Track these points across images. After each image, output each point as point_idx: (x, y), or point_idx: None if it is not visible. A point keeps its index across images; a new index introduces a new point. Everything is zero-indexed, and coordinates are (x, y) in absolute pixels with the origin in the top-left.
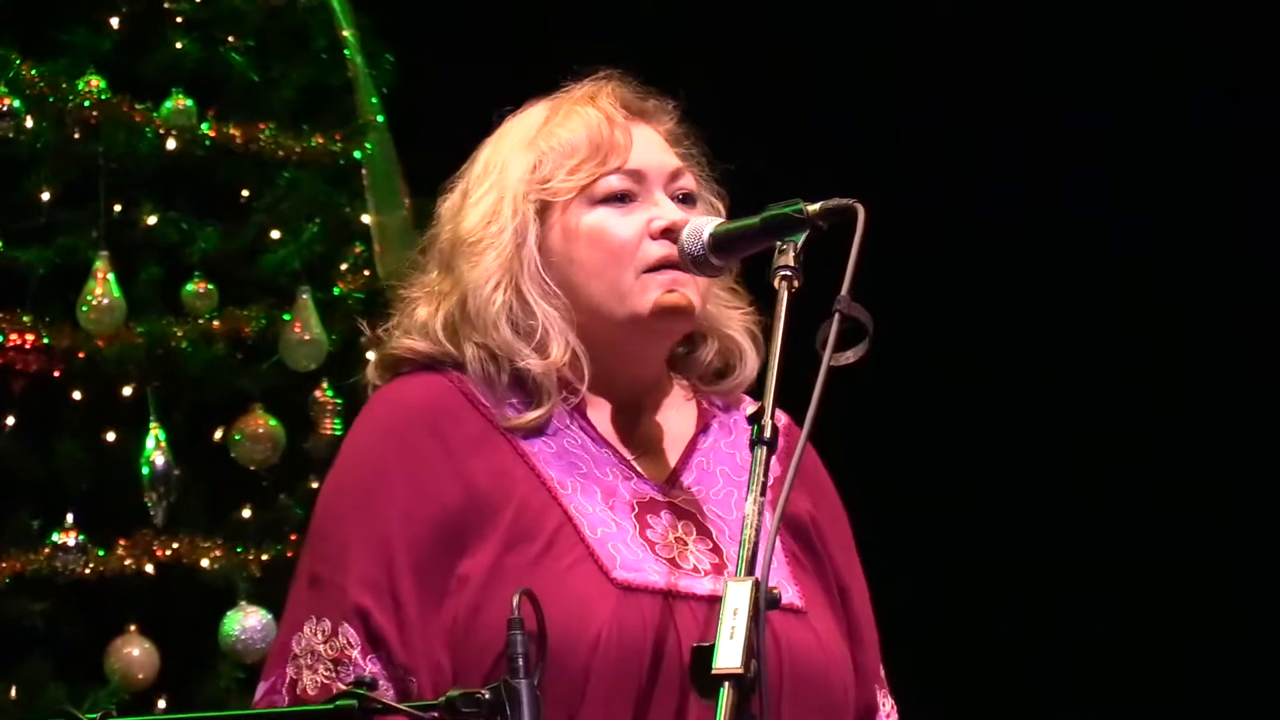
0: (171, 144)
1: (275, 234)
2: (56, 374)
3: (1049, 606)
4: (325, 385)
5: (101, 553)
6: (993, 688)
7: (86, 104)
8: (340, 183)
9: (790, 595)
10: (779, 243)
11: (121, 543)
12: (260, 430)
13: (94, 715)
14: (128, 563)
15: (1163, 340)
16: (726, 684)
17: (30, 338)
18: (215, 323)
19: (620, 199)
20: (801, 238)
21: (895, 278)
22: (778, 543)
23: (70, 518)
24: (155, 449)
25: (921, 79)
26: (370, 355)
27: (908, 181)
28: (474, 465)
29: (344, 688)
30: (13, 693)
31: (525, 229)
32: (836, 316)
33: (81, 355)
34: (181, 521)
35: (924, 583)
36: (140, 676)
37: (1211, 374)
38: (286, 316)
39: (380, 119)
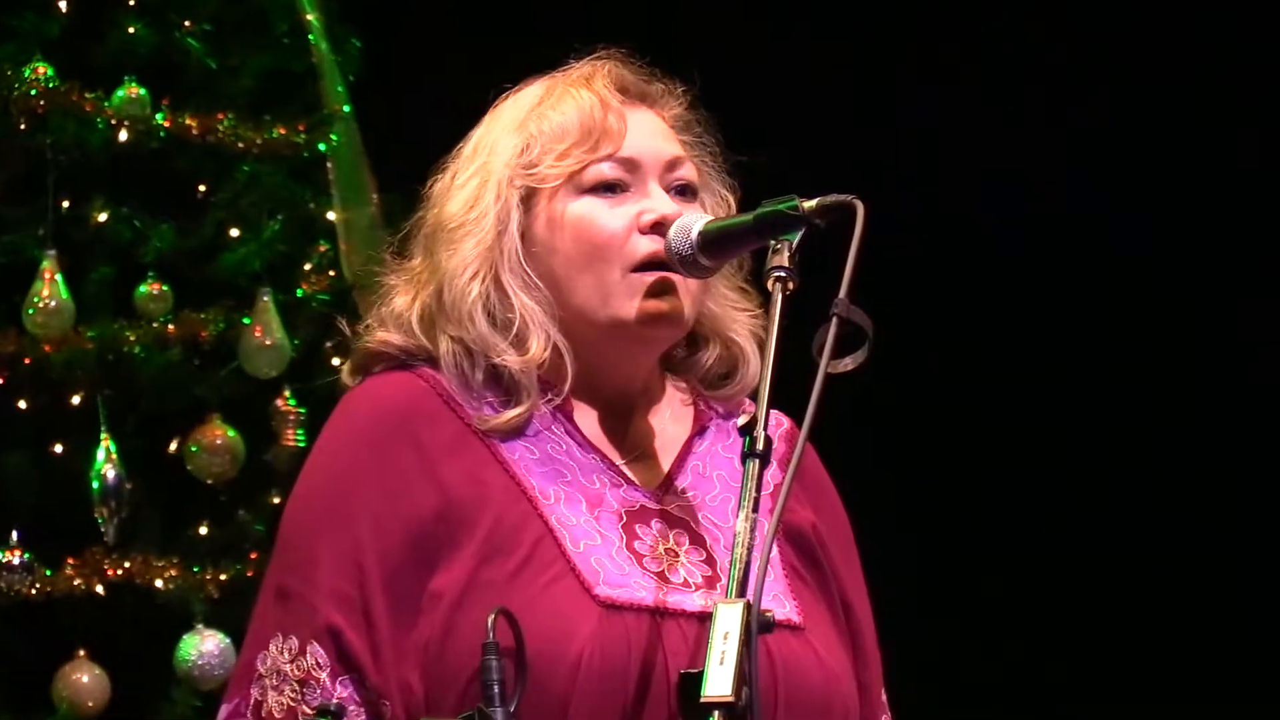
0: (124, 135)
1: (234, 231)
2: (0, 381)
3: (1049, 607)
4: (287, 393)
5: (49, 572)
6: (992, 688)
7: (33, 93)
8: (304, 177)
9: (787, 611)
10: (773, 242)
11: (70, 561)
12: (218, 441)
13: None
14: (77, 583)
15: (1163, 340)
16: (716, 713)
17: None
18: (170, 326)
19: (610, 188)
20: (797, 236)
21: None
22: (776, 555)
23: (15, 535)
24: (106, 461)
25: (921, 78)
26: (336, 361)
27: (907, 181)
28: (449, 472)
29: (309, 712)
30: None
31: (508, 215)
32: (834, 320)
33: (27, 361)
34: (134, 539)
35: (923, 583)
36: (90, 704)
37: (1211, 374)
38: (246, 320)
39: (346, 109)
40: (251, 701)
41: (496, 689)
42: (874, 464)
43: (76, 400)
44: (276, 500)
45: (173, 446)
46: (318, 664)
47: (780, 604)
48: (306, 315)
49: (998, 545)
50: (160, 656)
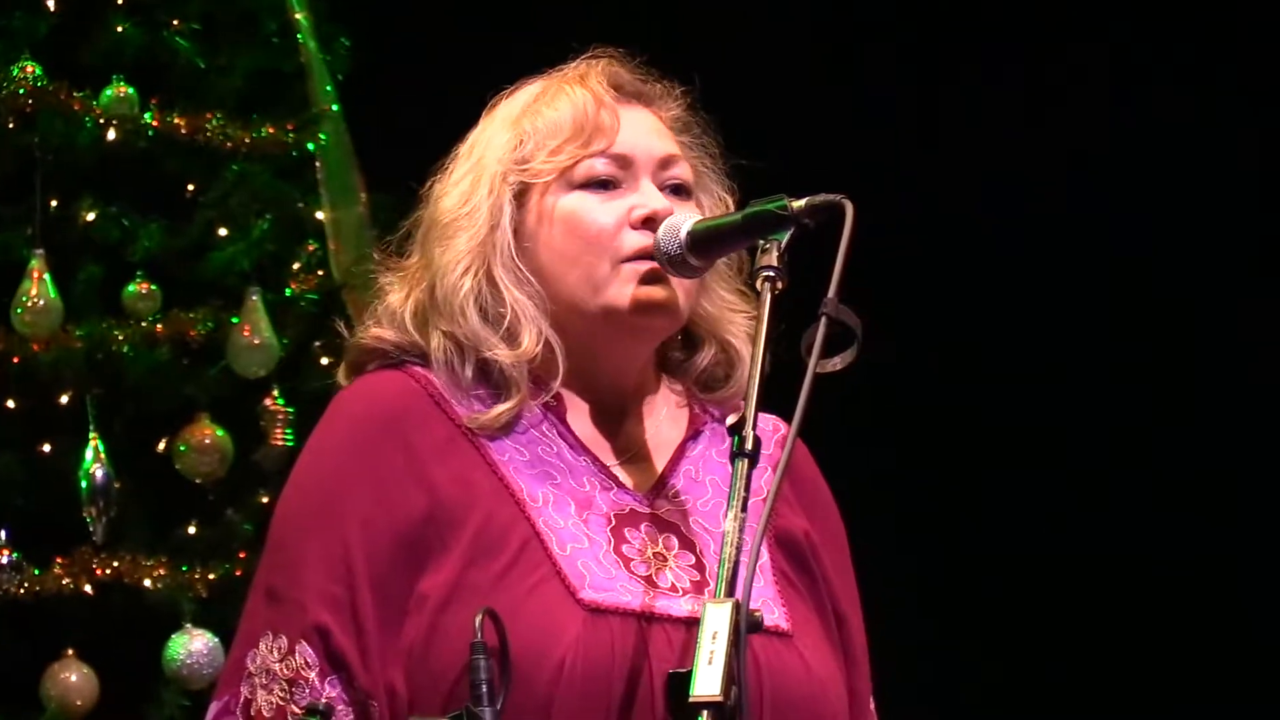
0: (112, 135)
1: (223, 231)
2: None
3: (1048, 607)
4: (276, 393)
5: (37, 571)
6: (992, 687)
7: (21, 92)
8: (293, 176)
9: (775, 617)
10: (762, 241)
11: (59, 561)
12: (207, 441)
13: None
14: (65, 582)
15: (1163, 340)
16: (705, 713)
17: None
18: (159, 326)
19: (602, 184)
20: (786, 236)
21: (895, 278)
22: (767, 561)
23: (3, 534)
24: (95, 461)
25: (921, 78)
26: (325, 361)
27: (907, 181)
28: (438, 472)
29: (298, 711)
30: None
31: (499, 211)
32: (823, 320)
33: (15, 360)
34: (123, 538)
35: (923, 584)
36: (78, 704)
37: (1211, 374)
38: (235, 319)
39: (335, 108)
40: (241, 700)
41: (485, 688)
42: (874, 464)
43: (65, 400)
44: (265, 500)
45: (161, 446)
46: (306, 663)
47: (769, 610)
48: (295, 315)
49: (998, 545)
50: (149, 656)
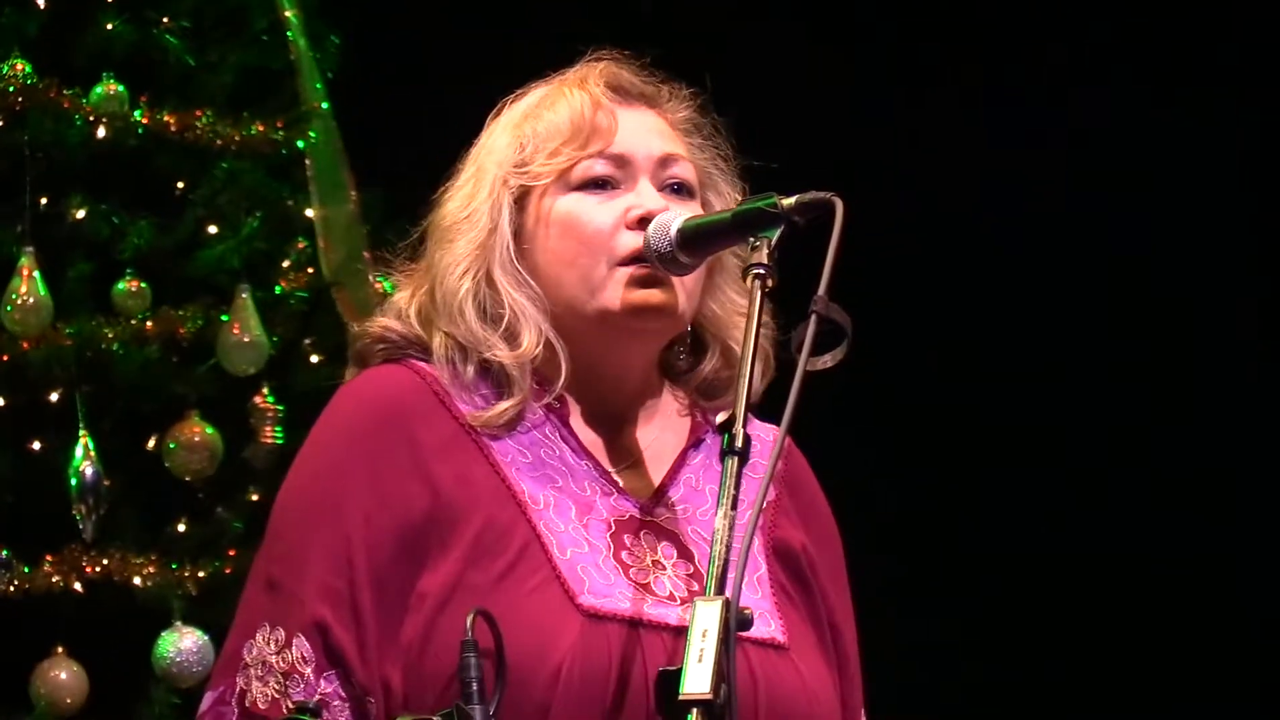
0: (102, 132)
1: (213, 229)
2: None
3: (1047, 605)
4: (266, 390)
5: (27, 569)
6: (991, 687)
7: (11, 89)
8: (282, 174)
9: (772, 629)
10: (752, 239)
11: (48, 559)
12: (196, 438)
13: None
14: (55, 580)
15: (1161, 339)
16: (695, 711)
17: None
18: (148, 323)
19: (600, 185)
20: (776, 234)
21: (893, 276)
22: (764, 573)
23: None
24: (84, 458)
25: (920, 78)
26: (315, 359)
27: (906, 180)
28: (441, 469)
29: (291, 706)
30: None
31: (499, 213)
32: (813, 318)
33: (5, 358)
34: (112, 536)
35: (922, 583)
36: (68, 701)
37: (1210, 373)
38: (225, 317)
39: (325, 105)
40: (237, 690)
41: (475, 687)
42: (873, 463)
43: (54, 397)
44: (255, 497)
45: (151, 444)
46: (303, 658)
47: (766, 622)
48: (285, 312)
49: (996, 544)
50: (138, 654)
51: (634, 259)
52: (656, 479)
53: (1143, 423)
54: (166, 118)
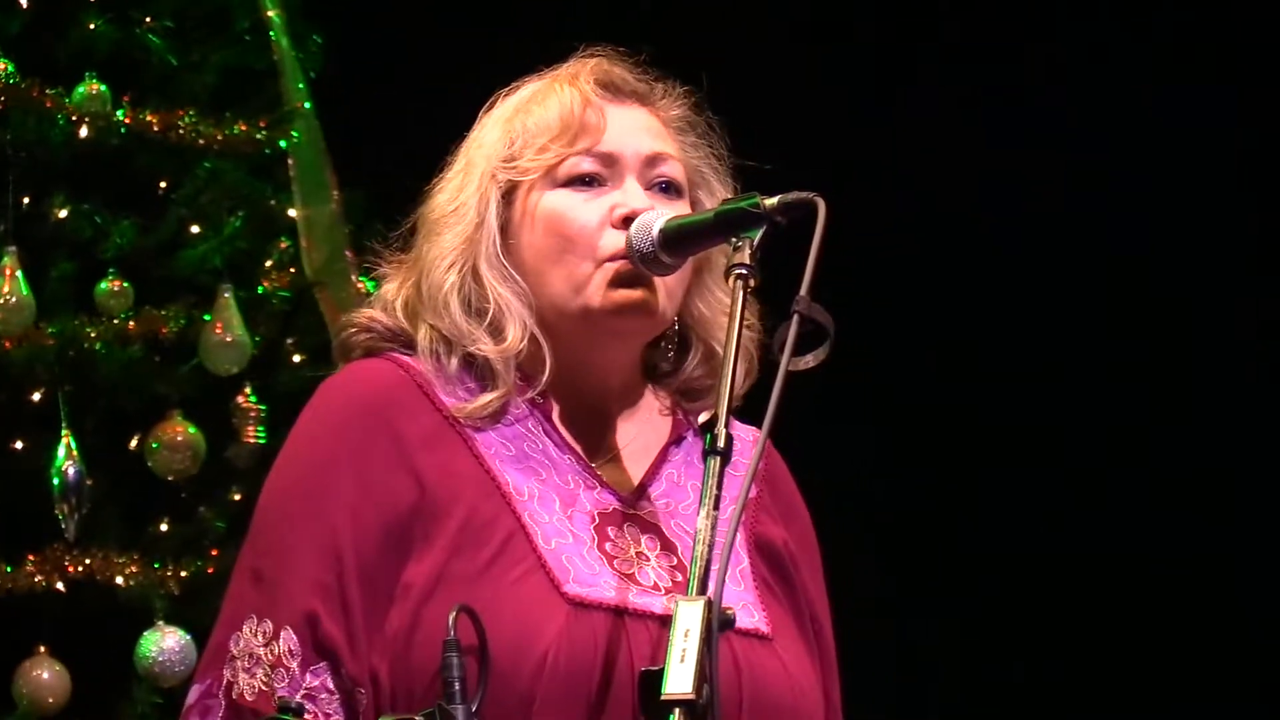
0: (84, 132)
1: (195, 228)
2: None
3: (1046, 606)
4: (248, 390)
5: (9, 569)
6: (990, 687)
7: None
8: (265, 173)
9: (756, 620)
10: (734, 239)
11: (30, 558)
12: (179, 438)
13: None
14: (37, 579)
15: (1160, 339)
16: (677, 711)
17: None
18: (131, 323)
19: (587, 182)
20: (758, 234)
21: (891, 276)
22: (747, 566)
23: None
24: (67, 458)
25: (918, 76)
26: (297, 358)
27: (904, 180)
28: (425, 461)
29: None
30: None
31: (485, 208)
32: (795, 318)
33: None
34: (95, 536)
35: (920, 584)
36: (50, 701)
37: (1209, 373)
38: (207, 317)
39: (308, 105)
40: (224, 683)
41: (457, 686)
42: (872, 463)
43: (37, 397)
44: (238, 497)
45: (133, 443)
46: (290, 651)
47: (749, 614)
48: (267, 312)
49: (995, 544)
50: (121, 653)
51: (617, 258)
52: (638, 474)
53: (1141, 423)
54: (149, 117)
